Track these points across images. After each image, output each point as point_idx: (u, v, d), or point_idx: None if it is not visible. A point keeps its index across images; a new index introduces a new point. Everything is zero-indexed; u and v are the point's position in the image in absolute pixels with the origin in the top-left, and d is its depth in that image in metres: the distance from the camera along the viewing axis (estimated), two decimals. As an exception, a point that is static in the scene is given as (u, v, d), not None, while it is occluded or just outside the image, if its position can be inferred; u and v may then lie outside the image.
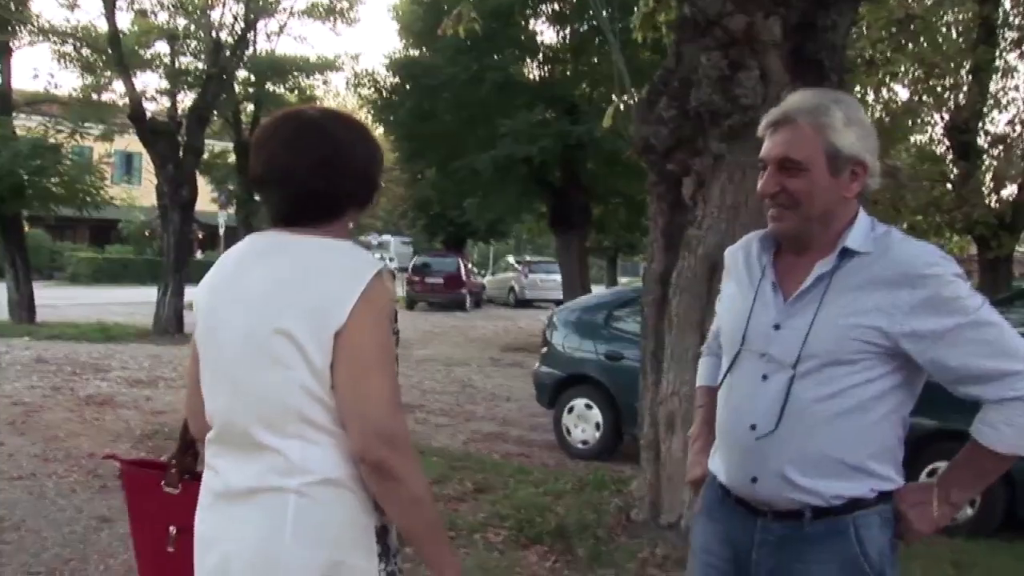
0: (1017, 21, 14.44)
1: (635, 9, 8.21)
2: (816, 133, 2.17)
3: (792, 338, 2.16)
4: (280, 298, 1.93)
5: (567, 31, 22.01)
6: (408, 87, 22.16)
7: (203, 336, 2.08)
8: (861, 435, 2.13)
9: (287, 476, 1.91)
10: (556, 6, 21.50)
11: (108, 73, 20.59)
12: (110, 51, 18.77)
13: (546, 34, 22.59)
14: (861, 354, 2.10)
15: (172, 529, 2.35)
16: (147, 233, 41.71)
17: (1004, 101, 15.09)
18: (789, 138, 2.19)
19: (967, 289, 2.10)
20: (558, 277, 25.67)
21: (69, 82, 49.33)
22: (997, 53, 14.40)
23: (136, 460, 2.37)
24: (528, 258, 41.03)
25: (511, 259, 42.28)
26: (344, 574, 1.93)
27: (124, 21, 22.86)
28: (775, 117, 2.24)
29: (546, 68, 22.73)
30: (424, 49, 22.09)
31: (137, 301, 24.01)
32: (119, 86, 19.90)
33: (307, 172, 1.99)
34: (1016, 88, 15.14)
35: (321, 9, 24.27)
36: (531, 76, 22.71)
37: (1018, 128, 14.58)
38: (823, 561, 2.16)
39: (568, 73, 22.48)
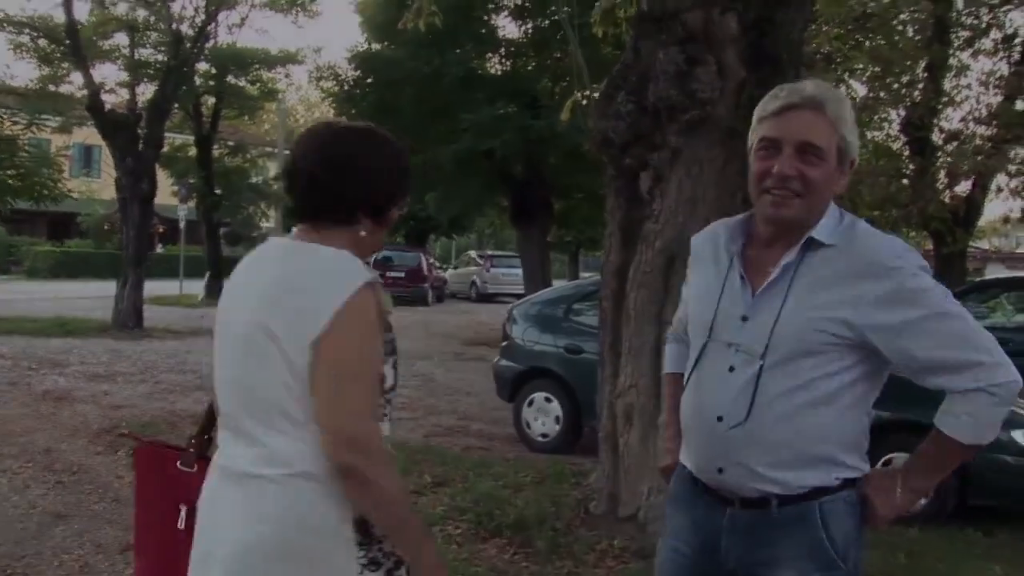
0: (969, 21, 14.62)
1: (596, 5, 8.25)
2: (834, 123, 2.17)
3: (759, 330, 2.17)
4: (271, 299, 2.04)
5: (529, 26, 22.01)
6: (370, 81, 22.06)
7: (216, 329, 2.21)
8: (827, 426, 2.15)
9: (268, 466, 2.03)
10: (518, 0, 21.48)
11: (65, 64, 20.35)
12: (68, 42, 18.54)
13: (508, 28, 22.62)
14: (827, 346, 2.12)
15: (183, 508, 2.47)
16: (106, 227, 41.26)
17: (958, 99, 15.27)
18: (813, 124, 2.17)
19: (931, 281, 2.11)
20: (520, 271, 25.69)
21: (25, 73, 48.75)
22: (951, 52, 14.59)
23: (151, 440, 2.48)
24: (490, 252, 41.02)
25: (473, 253, 42.25)
26: (319, 561, 2.03)
27: (82, 11, 22.59)
28: (795, 99, 2.20)
29: (508, 63, 22.72)
30: (386, 43, 21.99)
31: (97, 295, 23.76)
32: (77, 77, 19.69)
33: (320, 171, 2.12)
34: (969, 86, 15.30)
35: (282, 1, 24.14)
36: (493, 70, 22.68)
37: (971, 125, 14.77)
38: (789, 546, 2.19)
39: (530, 68, 22.48)
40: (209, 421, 2.55)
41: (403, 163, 2.24)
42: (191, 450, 2.56)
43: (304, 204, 2.17)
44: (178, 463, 2.55)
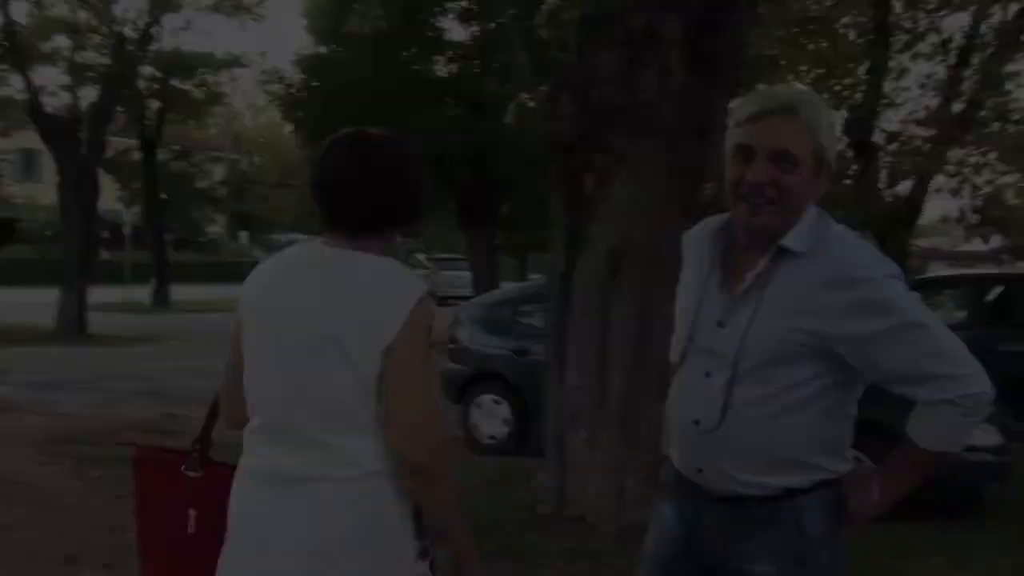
0: (907, 25, 14.88)
1: (541, 7, 8.29)
2: (810, 130, 2.14)
3: (732, 337, 2.18)
4: (337, 309, 2.11)
5: (476, 29, 22.03)
6: (316, 84, 21.96)
7: (255, 336, 2.23)
8: (801, 432, 2.16)
9: (337, 467, 2.10)
10: (465, 3, 21.49)
11: (4, 66, 20.00)
12: (5, 44, 18.23)
13: (454, 31, 22.63)
14: (797, 356, 2.12)
15: (192, 512, 2.48)
16: (48, 233, 40.53)
17: (898, 101, 15.53)
18: (789, 130, 2.12)
19: (900, 290, 2.09)
20: (468, 274, 25.67)
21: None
22: (891, 55, 14.83)
23: (150, 446, 2.48)
24: (438, 255, 40.90)
25: (421, 256, 42.11)
26: (389, 553, 2.14)
27: (20, 13, 22.20)
28: (770, 105, 2.15)
29: (454, 65, 22.71)
30: (333, 46, 21.89)
31: (40, 302, 23.37)
32: (17, 80, 19.38)
33: (360, 182, 2.19)
34: (908, 89, 15.58)
35: (228, 5, 23.95)
36: (440, 73, 22.67)
37: (911, 127, 15.04)
38: (765, 541, 2.21)
39: (477, 71, 22.50)
40: (210, 424, 2.55)
41: (422, 169, 2.32)
42: (195, 454, 2.55)
43: (342, 216, 2.21)
44: (182, 467, 2.54)
